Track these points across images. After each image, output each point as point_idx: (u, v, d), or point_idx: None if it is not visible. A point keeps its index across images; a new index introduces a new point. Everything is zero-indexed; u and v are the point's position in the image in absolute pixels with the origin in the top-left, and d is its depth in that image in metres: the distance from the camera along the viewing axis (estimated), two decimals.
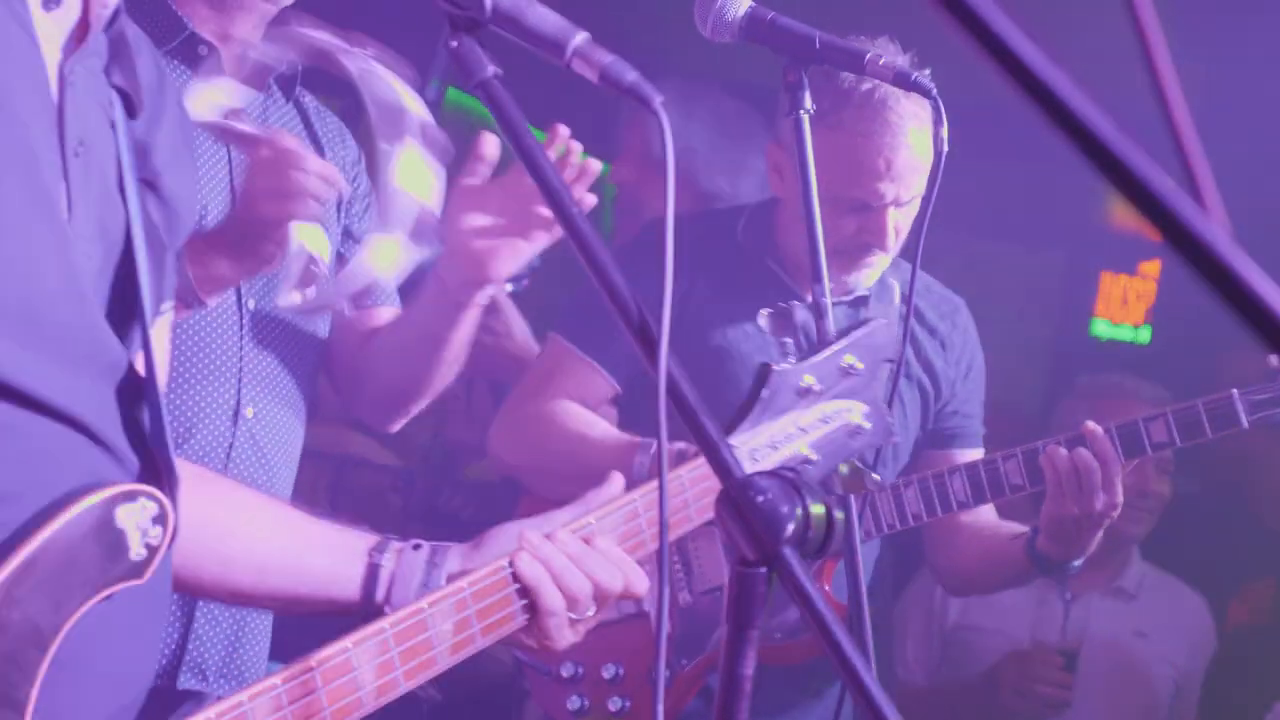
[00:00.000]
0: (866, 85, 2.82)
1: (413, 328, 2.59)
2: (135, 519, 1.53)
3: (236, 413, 2.52)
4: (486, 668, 3.61)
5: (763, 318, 2.00)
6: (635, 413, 3.08)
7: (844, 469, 2.01)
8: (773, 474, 1.27)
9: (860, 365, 1.98)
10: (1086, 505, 2.86)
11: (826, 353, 1.98)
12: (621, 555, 1.86)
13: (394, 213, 2.10)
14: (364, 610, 1.85)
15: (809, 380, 1.94)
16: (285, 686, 1.65)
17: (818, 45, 2.25)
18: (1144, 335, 5.50)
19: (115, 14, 1.54)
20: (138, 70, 1.59)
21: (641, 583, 1.85)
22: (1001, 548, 3.11)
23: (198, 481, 1.73)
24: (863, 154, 2.80)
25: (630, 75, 1.36)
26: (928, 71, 2.36)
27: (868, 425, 1.99)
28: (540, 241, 2.36)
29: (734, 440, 1.89)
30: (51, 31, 1.48)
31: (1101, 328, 5.47)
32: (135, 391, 1.58)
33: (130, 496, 1.53)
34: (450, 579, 1.84)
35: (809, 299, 3.07)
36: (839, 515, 1.28)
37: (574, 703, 3.03)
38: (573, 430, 3.03)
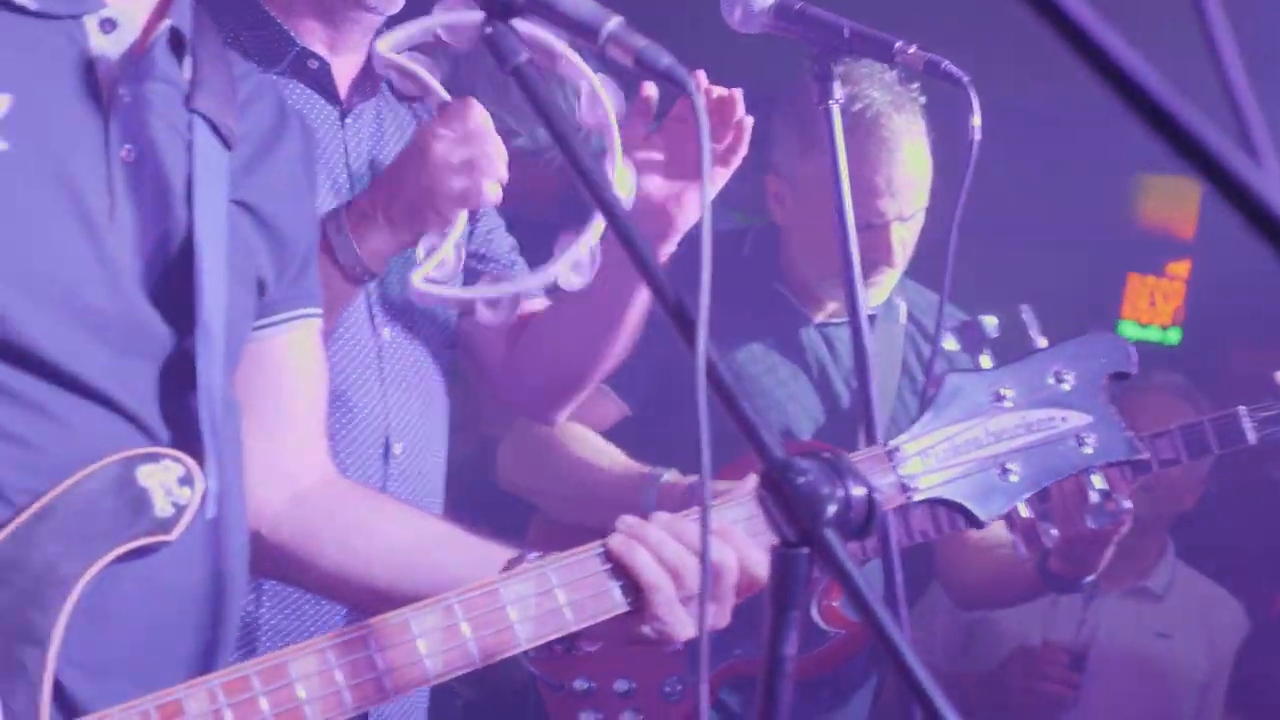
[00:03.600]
0: (858, 105, 2.96)
1: (587, 305, 2.45)
2: (158, 478, 1.65)
3: (386, 451, 2.54)
4: (520, 669, 3.69)
5: (948, 337, 2.04)
6: (648, 435, 3.15)
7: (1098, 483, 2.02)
8: (813, 456, 1.33)
9: (1070, 374, 1.98)
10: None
11: (1027, 360, 2.00)
12: (729, 529, 1.81)
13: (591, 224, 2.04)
14: None
15: (1002, 387, 1.95)
16: (331, 644, 1.69)
17: (846, 35, 2.30)
18: (1173, 336, 5.57)
19: (182, 41, 1.74)
20: (247, 111, 1.82)
21: (761, 559, 1.76)
22: (1013, 566, 3.17)
23: (349, 492, 1.98)
24: (860, 174, 2.83)
25: (665, 59, 1.42)
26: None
27: (1092, 437, 1.97)
28: (720, 178, 2.33)
29: (898, 441, 1.91)
30: (109, 51, 1.68)
31: (1129, 329, 5.54)
32: (180, 375, 1.70)
33: (153, 458, 1.66)
34: None
35: (816, 320, 3.18)
36: (880, 499, 1.34)
37: (587, 717, 3.10)
38: (580, 458, 3.08)
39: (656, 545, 1.77)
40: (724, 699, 3.13)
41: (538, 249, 3.73)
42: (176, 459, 1.66)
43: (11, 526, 1.60)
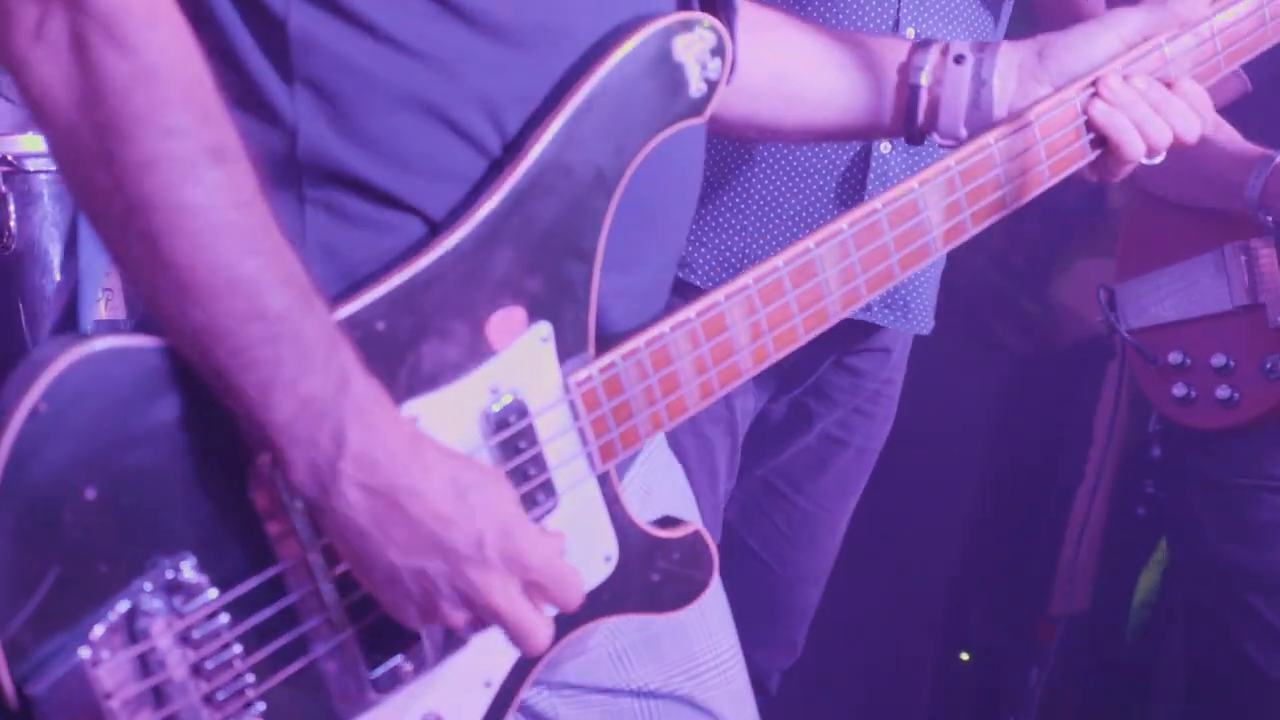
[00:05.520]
0: None
1: None
2: (693, 51, 1.52)
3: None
4: (1074, 330, 3.77)
5: None
6: (1266, 116, 3.10)
7: None
8: None
9: None
10: None
11: None
12: (1202, 98, 1.82)
13: None
14: (906, 134, 1.85)
15: None
16: (852, 231, 1.65)
17: None
18: None
19: None
20: None
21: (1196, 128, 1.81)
22: None
23: (753, 24, 1.79)
24: None
25: None
26: None
27: None
28: None
29: None
30: None
31: None
32: None
33: (687, 26, 1.52)
34: (1006, 98, 1.80)
35: None
36: None
37: (1179, 390, 3.13)
38: None
39: (1142, 122, 1.78)
40: None
41: None
42: (710, 26, 1.53)
43: (559, 120, 1.48)
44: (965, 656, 4.14)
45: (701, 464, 2.71)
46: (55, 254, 2.70)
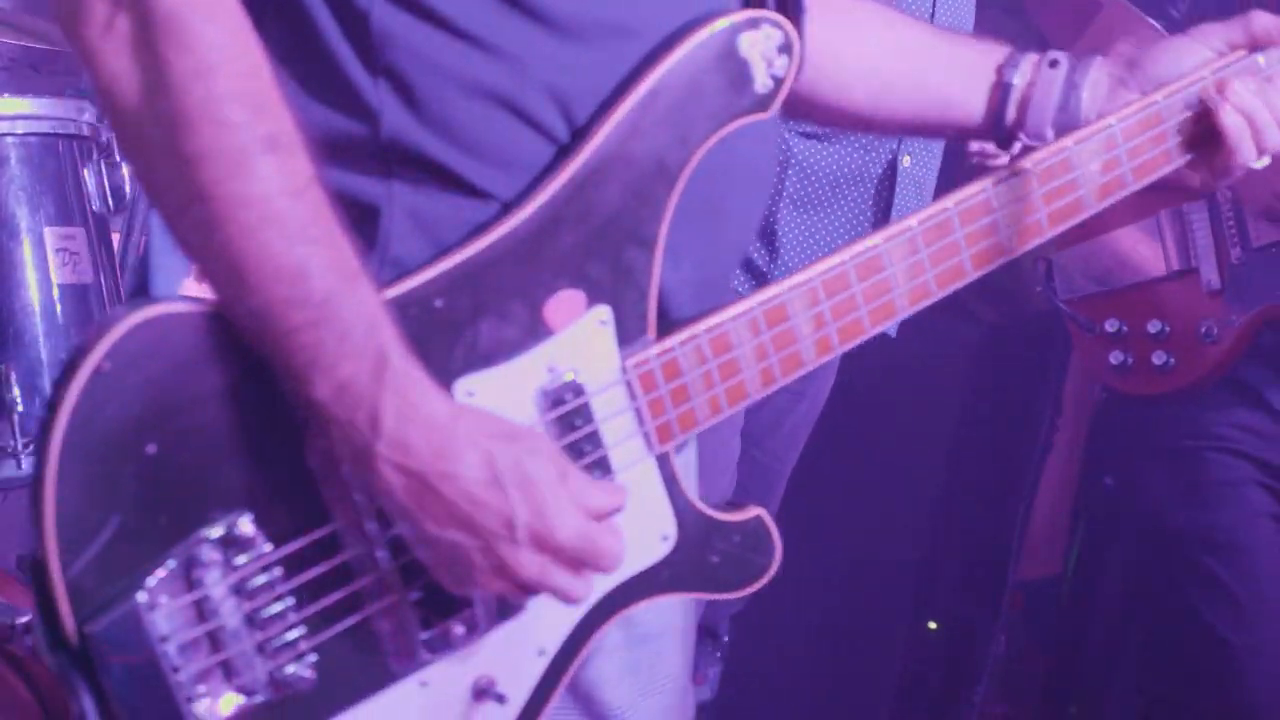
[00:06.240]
0: None
1: None
2: (759, 48, 1.58)
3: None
4: (1043, 298, 3.86)
5: None
6: None
7: None
8: None
9: None
10: None
11: None
12: None
13: None
14: (994, 135, 1.87)
15: None
16: (921, 229, 1.68)
17: None
18: None
19: None
20: None
21: None
22: None
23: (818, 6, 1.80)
24: None
25: None
26: None
27: None
28: None
29: None
30: None
31: None
32: None
33: (753, 24, 1.58)
34: (1095, 104, 1.83)
35: None
36: None
37: (1116, 358, 3.17)
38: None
39: (1263, 129, 1.81)
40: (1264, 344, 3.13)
41: None
42: (776, 23, 1.59)
43: (623, 110, 1.54)
44: (934, 625, 4.18)
45: (726, 468, 2.84)
46: (23, 217, 2.75)
